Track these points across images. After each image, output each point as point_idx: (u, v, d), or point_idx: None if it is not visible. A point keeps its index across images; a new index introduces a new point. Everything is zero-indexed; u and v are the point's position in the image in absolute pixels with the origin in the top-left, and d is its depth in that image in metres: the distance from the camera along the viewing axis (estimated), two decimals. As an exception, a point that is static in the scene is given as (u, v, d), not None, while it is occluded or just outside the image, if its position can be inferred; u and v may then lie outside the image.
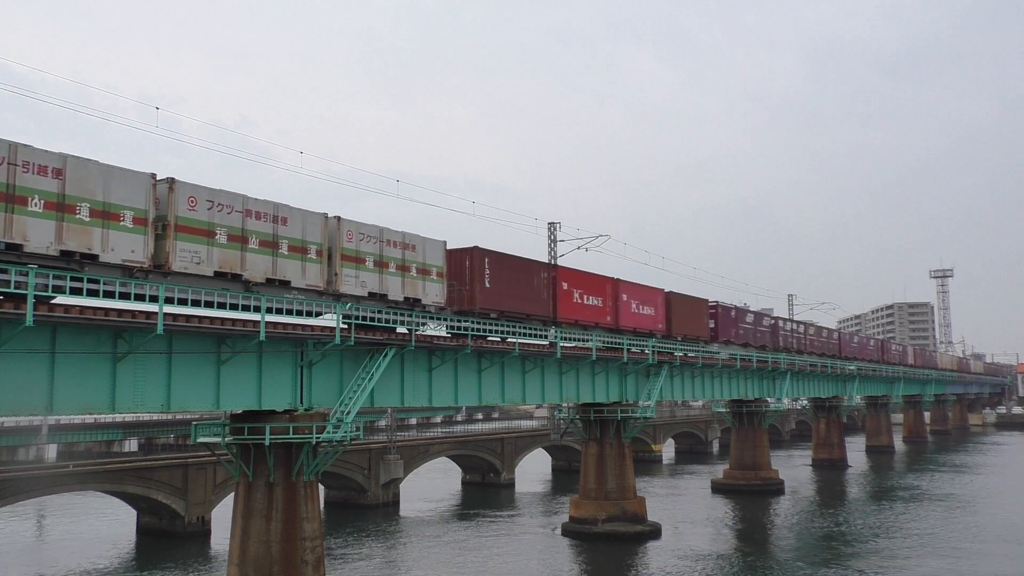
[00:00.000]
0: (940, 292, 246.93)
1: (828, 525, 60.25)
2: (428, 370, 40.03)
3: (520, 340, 43.37)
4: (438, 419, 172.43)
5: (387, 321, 35.23)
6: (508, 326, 42.78)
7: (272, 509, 32.59)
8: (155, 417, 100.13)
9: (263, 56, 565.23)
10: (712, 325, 67.74)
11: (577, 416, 57.84)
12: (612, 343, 53.54)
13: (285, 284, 31.70)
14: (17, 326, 23.96)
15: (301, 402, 33.56)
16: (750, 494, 76.18)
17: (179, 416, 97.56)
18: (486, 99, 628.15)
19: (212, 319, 29.39)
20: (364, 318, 34.37)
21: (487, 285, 41.29)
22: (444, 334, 39.50)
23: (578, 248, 64.82)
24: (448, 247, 40.31)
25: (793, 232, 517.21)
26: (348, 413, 33.58)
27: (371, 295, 35.22)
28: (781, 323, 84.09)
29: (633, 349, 54.62)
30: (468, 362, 42.61)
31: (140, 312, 27.15)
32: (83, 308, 25.64)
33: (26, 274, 23.74)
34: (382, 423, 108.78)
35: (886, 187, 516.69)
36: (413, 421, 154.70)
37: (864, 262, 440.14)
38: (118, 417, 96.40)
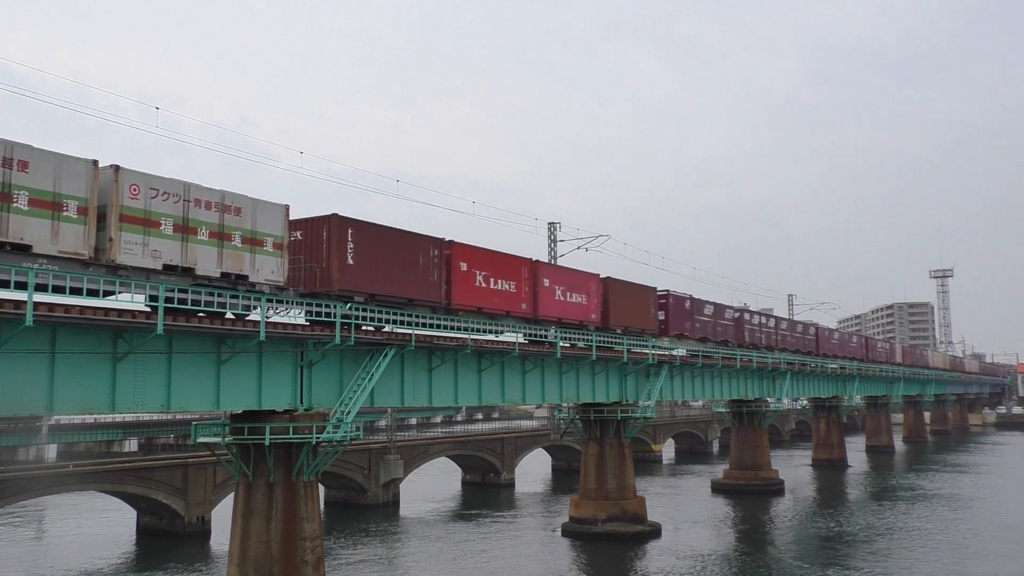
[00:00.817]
0: (940, 292, 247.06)
1: (828, 525, 60.24)
2: (428, 370, 40.03)
3: (398, 329, 36.49)
4: (438, 419, 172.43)
5: (197, 303, 28.10)
6: (378, 312, 35.43)
7: (272, 509, 32.58)
8: (155, 417, 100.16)
9: (263, 56, 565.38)
10: (662, 317, 59.71)
11: (577, 416, 57.84)
12: (607, 343, 53.16)
13: (23, 249, 24.05)
14: (17, 326, 23.96)
15: (301, 402, 33.56)
16: (750, 494, 76.17)
17: (179, 416, 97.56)
18: (486, 99, 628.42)
19: (212, 319, 29.40)
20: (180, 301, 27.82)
21: (350, 262, 34.24)
22: (301, 322, 33.40)
23: (578, 248, 65.01)
24: (302, 217, 34.35)
25: (793, 232, 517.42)
26: (348, 413, 33.57)
27: (169, 268, 27.87)
28: (747, 316, 76.43)
29: (562, 343, 47.63)
30: (468, 362, 42.62)
31: (140, 312, 27.14)
32: (83, 308, 25.63)
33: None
34: (382, 423, 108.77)
35: (886, 187, 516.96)
36: (413, 421, 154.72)
37: (864, 262, 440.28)
38: (118, 417, 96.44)
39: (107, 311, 26.24)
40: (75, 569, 46.45)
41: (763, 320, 79.33)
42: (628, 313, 54.97)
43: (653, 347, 55.65)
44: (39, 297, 24.31)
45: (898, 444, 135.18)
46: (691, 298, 64.37)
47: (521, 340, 44.68)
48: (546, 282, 47.01)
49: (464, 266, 40.92)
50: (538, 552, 51.09)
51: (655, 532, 55.53)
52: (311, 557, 33.07)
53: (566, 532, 55.92)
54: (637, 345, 55.67)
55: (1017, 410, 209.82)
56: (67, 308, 25.08)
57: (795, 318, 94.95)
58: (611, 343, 52.80)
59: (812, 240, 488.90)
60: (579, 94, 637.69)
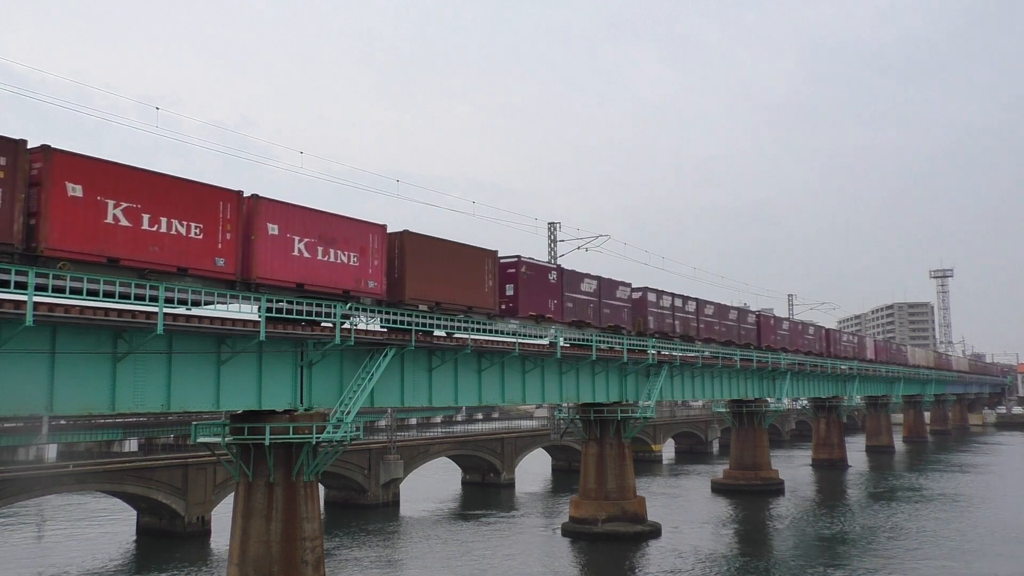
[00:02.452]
0: (940, 292, 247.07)
1: (828, 525, 60.24)
2: (428, 370, 40.02)
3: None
4: (438, 419, 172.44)
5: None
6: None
7: (272, 509, 32.58)
8: (155, 417, 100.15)
9: (263, 56, 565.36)
10: (511, 292, 44.95)
11: (577, 416, 57.84)
12: (579, 340, 49.47)
13: None
14: (17, 326, 23.96)
15: (301, 402, 33.55)
16: (750, 494, 76.15)
17: (179, 416, 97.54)
18: (486, 99, 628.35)
19: (212, 319, 29.39)
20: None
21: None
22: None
23: (578, 248, 65.01)
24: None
25: (793, 232, 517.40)
26: (348, 413, 33.58)
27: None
28: (652, 297, 59.12)
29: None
30: (468, 362, 42.61)
31: (140, 312, 27.13)
32: (83, 308, 25.63)
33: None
34: (382, 423, 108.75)
35: (886, 187, 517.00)
36: (413, 421, 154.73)
37: (864, 262, 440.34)
38: (118, 417, 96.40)
39: (107, 311, 26.25)
40: (75, 569, 46.43)
41: (678, 303, 62.80)
42: (441, 283, 39.27)
43: (490, 330, 42.18)
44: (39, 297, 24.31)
45: (898, 444, 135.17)
46: (560, 269, 49.58)
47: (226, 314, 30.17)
48: (272, 228, 31.72)
49: (77, 189, 25.74)
50: (538, 552, 51.09)
51: (655, 532, 55.52)
52: (311, 557, 33.07)
53: (566, 532, 55.91)
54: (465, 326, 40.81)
55: (1017, 410, 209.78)
56: (67, 308, 25.08)
57: (733, 304, 75.59)
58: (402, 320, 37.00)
59: (812, 240, 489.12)
60: (579, 94, 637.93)
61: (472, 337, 40.70)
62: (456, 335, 40.33)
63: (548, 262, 54.46)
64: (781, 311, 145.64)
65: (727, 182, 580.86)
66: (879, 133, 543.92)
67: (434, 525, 61.32)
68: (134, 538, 55.40)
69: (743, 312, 76.77)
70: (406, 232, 37.76)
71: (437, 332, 39.40)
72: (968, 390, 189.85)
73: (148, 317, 26.98)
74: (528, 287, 46.06)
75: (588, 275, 51.78)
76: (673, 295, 62.19)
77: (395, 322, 35.94)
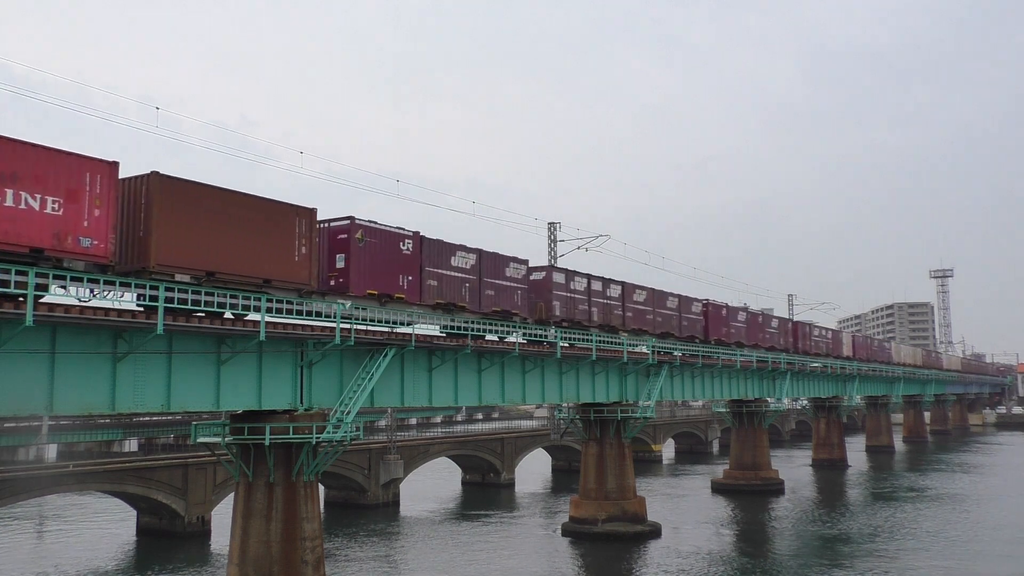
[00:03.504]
0: (940, 292, 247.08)
1: (828, 525, 60.24)
2: (428, 370, 40.03)
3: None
4: (438, 419, 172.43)
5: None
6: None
7: (272, 509, 32.58)
8: (155, 417, 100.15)
9: (264, 57, 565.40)
10: (342, 265, 35.14)
11: (577, 416, 57.84)
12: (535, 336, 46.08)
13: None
14: (17, 326, 23.96)
15: (301, 402, 33.56)
16: (750, 494, 76.15)
17: (179, 416, 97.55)
18: (485, 100, 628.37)
19: (212, 319, 29.39)
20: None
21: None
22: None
23: (578, 248, 64.98)
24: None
25: (793, 232, 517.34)
26: (348, 413, 33.58)
27: None
28: (559, 278, 49.01)
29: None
30: (468, 362, 42.62)
31: (140, 312, 27.13)
32: (83, 308, 25.64)
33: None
34: (382, 423, 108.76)
35: (886, 187, 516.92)
36: (413, 421, 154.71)
37: (864, 262, 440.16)
38: (118, 417, 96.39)
39: (107, 311, 26.26)
40: (75, 569, 46.43)
41: (597, 287, 52.18)
42: (219, 247, 30.09)
43: (301, 311, 32.46)
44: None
45: (898, 444, 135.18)
46: (418, 237, 38.57)
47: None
48: None
49: None
50: (538, 552, 51.09)
51: (655, 532, 55.52)
52: (311, 557, 33.07)
53: (566, 532, 55.91)
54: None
55: (1017, 410, 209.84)
56: (67, 308, 25.09)
57: (673, 291, 63.51)
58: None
59: (812, 240, 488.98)
60: (578, 95, 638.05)
61: (472, 336, 40.64)
62: (250, 318, 30.82)
63: (401, 228, 37.84)
64: (781, 311, 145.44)
65: (727, 182, 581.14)
66: (878, 133, 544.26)
67: (434, 525, 61.32)
68: (134, 538, 55.40)
69: (686, 300, 64.83)
70: (155, 174, 28.32)
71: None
72: (968, 390, 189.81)
73: (148, 317, 26.99)
74: (365, 258, 35.66)
75: (464, 247, 41.51)
76: (590, 276, 51.44)
77: (143, 297, 27.32)
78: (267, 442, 31.74)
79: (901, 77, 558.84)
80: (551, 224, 64.97)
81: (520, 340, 44.61)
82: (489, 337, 42.87)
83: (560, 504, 69.92)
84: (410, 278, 37.79)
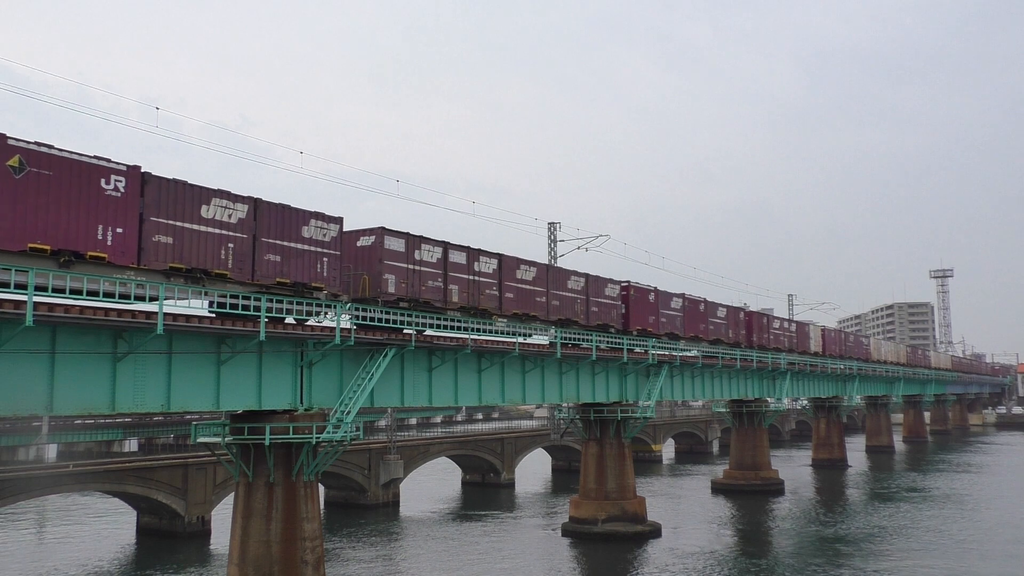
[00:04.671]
0: (940, 292, 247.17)
1: (828, 525, 60.24)
2: (428, 370, 40.03)
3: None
4: (438, 419, 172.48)
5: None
6: None
7: (272, 509, 32.59)
8: (155, 417, 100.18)
9: (264, 57, 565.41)
10: (117, 234, 27.01)
11: (577, 416, 57.84)
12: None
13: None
14: (17, 326, 23.96)
15: (301, 402, 33.56)
16: (750, 494, 76.15)
17: (179, 416, 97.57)
18: (484, 101, 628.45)
19: (212, 319, 29.39)
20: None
21: None
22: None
23: (578, 248, 65.01)
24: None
25: (793, 232, 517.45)
26: (348, 413, 33.58)
27: None
28: (393, 245, 36.94)
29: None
30: (468, 362, 42.62)
31: (140, 312, 27.12)
32: (83, 308, 25.65)
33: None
34: (382, 423, 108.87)
35: (886, 188, 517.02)
36: (413, 421, 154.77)
37: (864, 262, 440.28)
38: (118, 417, 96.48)
39: (107, 311, 26.26)
40: (75, 569, 46.43)
41: (458, 259, 40.53)
42: None
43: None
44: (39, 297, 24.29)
45: (898, 444, 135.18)
46: (139, 173, 28.07)
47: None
48: None
49: None
50: (538, 552, 51.09)
51: (655, 532, 55.52)
52: (311, 557, 33.07)
53: (566, 532, 55.91)
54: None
55: (1017, 410, 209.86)
56: (67, 308, 25.09)
57: (602, 275, 53.48)
58: None
59: (812, 240, 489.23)
60: (577, 96, 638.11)
61: (472, 337, 40.62)
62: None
63: (109, 160, 27.30)
64: (781, 311, 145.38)
65: (727, 182, 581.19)
66: (878, 133, 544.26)
67: (434, 525, 61.32)
68: (134, 538, 55.39)
69: (597, 281, 52.46)
70: None
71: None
72: (968, 390, 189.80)
73: (148, 317, 27.00)
74: (30, 194, 25.09)
75: (229, 194, 30.65)
76: (447, 245, 39.69)
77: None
78: (267, 442, 31.74)
79: (900, 77, 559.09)
80: (551, 224, 65.02)
81: (290, 321, 33.29)
82: (288, 320, 33.12)
83: (560, 504, 69.92)
84: (119, 230, 27.08)
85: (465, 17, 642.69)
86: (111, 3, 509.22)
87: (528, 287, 45.45)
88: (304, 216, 33.40)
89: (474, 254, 41.63)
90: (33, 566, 47.08)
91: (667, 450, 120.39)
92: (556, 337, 46.66)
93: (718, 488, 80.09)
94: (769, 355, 75.28)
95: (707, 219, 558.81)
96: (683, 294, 62.74)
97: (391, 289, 36.51)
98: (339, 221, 34.88)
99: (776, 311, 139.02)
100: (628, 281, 55.62)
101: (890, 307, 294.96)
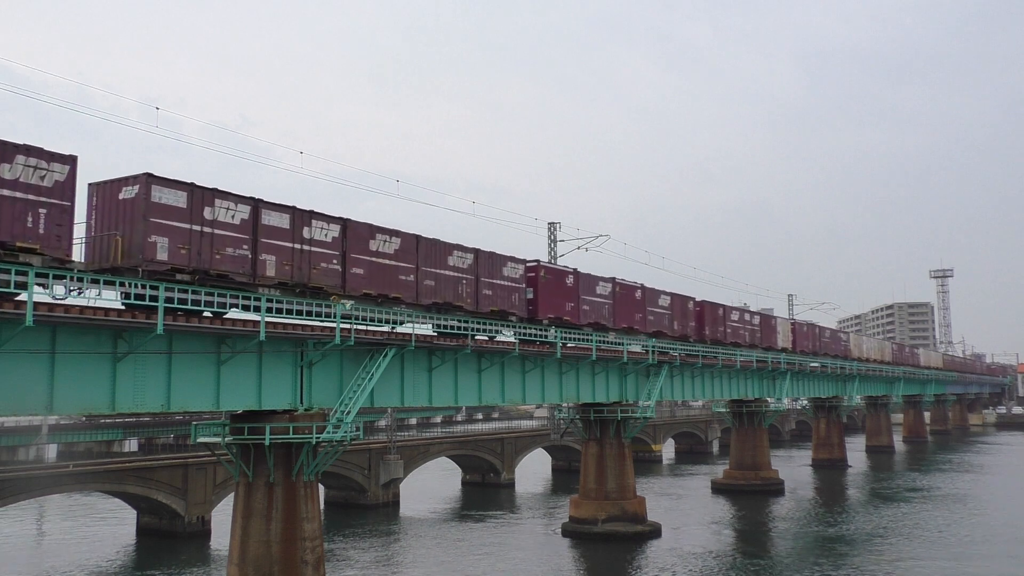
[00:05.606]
0: (940, 292, 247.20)
1: (828, 525, 60.24)
2: (428, 370, 40.04)
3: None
4: (438, 419, 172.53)
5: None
6: None
7: (272, 509, 32.59)
8: (155, 417, 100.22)
9: (264, 57, 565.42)
10: None
11: (577, 416, 57.86)
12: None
13: None
14: (17, 326, 23.97)
15: (301, 402, 33.57)
16: (750, 494, 76.16)
17: (179, 416, 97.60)
18: (484, 101, 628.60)
19: (212, 319, 29.39)
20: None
21: None
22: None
23: (578, 248, 64.99)
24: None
25: (793, 233, 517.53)
26: (348, 413, 33.59)
27: None
28: (164, 197, 28.48)
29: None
30: (468, 362, 42.63)
31: (140, 312, 27.13)
32: (83, 308, 25.65)
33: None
34: (382, 423, 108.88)
35: (886, 188, 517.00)
36: (413, 421, 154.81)
37: (864, 262, 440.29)
38: (118, 417, 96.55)
39: (107, 311, 26.26)
40: (75, 569, 46.44)
41: (278, 222, 32.45)
42: None
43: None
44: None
45: (898, 444, 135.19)
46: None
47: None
48: None
49: None
50: (538, 552, 51.09)
51: (655, 532, 55.53)
52: (311, 557, 33.08)
53: (566, 532, 55.92)
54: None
55: (1017, 410, 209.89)
56: (67, 308, 25.09)
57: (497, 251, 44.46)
58: None
59: (812, 240, 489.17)
60: (577, 96, 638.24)
61: (473, 336, 40.64)
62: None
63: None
64: (781, 311, 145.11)
65: (727, 182, 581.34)
66: (878, 134, 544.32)
67: (434, 525, 61.33)
68: (134, 538, 55.40)
69: (493, 259, 43.02)
70: None
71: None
72: (968, 390, 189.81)
73: (148, 317, 27.00)
74: None
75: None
76: (259, 202, 31.77)
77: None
78: (267, 442, 31.75)
79: (900, 77, 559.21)
80: (551, 224, 64.99)
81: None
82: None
83: (560, 504, 69.92)
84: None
85: (465, 17, 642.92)
86: (111, 3, 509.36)
87: (388, 262, 36.59)
88: (7, 152, 24.73)
89: (303, 217, 33.18)
90: (33, 566, 47.08)
91: (667, 450, 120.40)
92: (557, 337, 46.63)
93: (718, 488, 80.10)
94: (769, 355, 75.24)
95: (707, 219, 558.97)
96: (613, 278, 53.72)
97: (162, 256, 28.12)
98: (70, 161, 26.08)
99: (776, 311, 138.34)
100: (538, 260, 47.16)
101: (890, 307, 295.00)
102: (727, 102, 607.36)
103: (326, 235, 34.14)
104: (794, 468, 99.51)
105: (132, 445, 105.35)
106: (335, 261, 34.33)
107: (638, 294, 56.47)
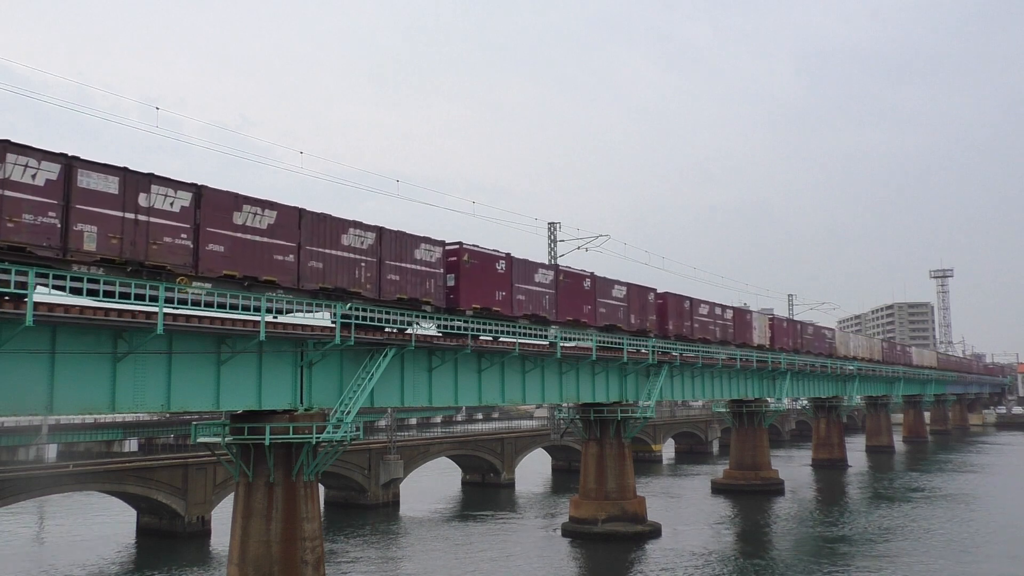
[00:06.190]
0: (940, 292, 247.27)
1: (828, 525, 60.23)
2: (428, 370, 40.03)
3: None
4: (438, 419, 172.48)
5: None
6: None
7: (272, 509, 32.59)
8: (155, 417, 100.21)
9: (264, 57, 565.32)
10: None
11: (577, 416, 57.85)
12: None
13: None
14: (17, 326, 23.96)
15: (301, 402, 33.57)
16: (750, 494, 76.14)
17: (179, 416, 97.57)
18: (484, 101, 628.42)
19: (212, 319, 29.38)
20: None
21: None
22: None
23: (578, 248, 64.99)
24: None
25: (793, 233, 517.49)
26: (348, 413, 33.59)
27: None
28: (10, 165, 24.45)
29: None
30: (468, 362, 42.62)
31: (140, 312, 27.11)
32: (83, 308, 25.64)
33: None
34: (382, 423, 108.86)
35: (885, 188, 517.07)
36: (413, 421, 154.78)
37: (864, 262, 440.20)
38: (118, 417, 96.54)
39: (107, 311, 26.26)
40: (75, 569, 46.43)
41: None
42: None
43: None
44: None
45: (898, 444, 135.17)
46: None
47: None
48: None
49: None
50: (538, 552, 51.08)
51: (655, 532, 55.52)
52: (311, 557, 33.07)
53: (566, 532, 55.91)
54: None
55: (1017, 410, 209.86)
56: (67, 308, 25.09)
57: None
58: None
59: (812, 240, 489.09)
60: (576, 96, 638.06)
61: (472, 336, 40.62)
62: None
63: None
64: (781, 311, 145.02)
65: (727, 182, 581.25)
66: (877, 134, 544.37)
67: (434, 525, 61.31)
68: (134, 538, 55.39)
69: (402, 239, 37.61)
70: None
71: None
72: (968, 390, 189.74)
73: (148, 317, 26.99)
74: None
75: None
76: (74, 161, 26.39)
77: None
78: (267, 442, 31.75)
79: (900, 77, 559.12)
80: (551, 224, 64.99)
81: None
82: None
83: (560, 504, 69.91)
84: None
85: (465, 17, 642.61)
86: (111, 3, 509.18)
87: (259, 239, 31.59)
88: None
89: (139, 180, 27.92)
90: (33, 566, 47.07)
91: (667, 450, 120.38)
92: (557, 337, 46.62)
93: (718, 488, 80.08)
94: (769, 355, 75.18)
95: (707, 219, 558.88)
96: (556, 265, 49.25)
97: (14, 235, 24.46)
98: None
99: (776, 311, 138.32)
100: (460, 243, 41.26)
101: (890, 307, 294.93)
102: (727, 102, 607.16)
103: (171, 204, 28.84)
104: (794, 468, 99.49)
105: (132, 445, 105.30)
106: (184, 235, 29.08)
107: (587, 283, 50.88)
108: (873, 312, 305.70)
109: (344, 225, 35.00)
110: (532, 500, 75.66)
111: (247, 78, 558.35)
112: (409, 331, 37.45)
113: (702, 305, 66.28)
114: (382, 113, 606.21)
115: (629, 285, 55.47)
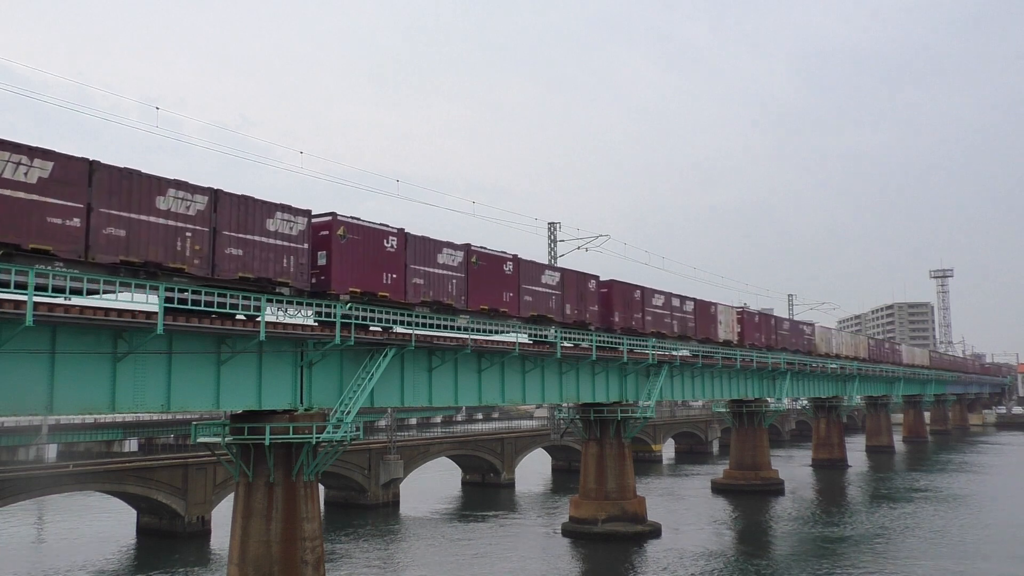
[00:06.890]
0: (940, 292, 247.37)
1: (828, 525, 60.23)
2: (428, 370, 40.03)
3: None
4: (438, 419, 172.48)
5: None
6: None
7: (272, 509, 32.58)
8: (155, 417, 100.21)
9: (264, 57, 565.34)
10: None
11: (577, 416, 57.86)
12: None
13: None
14: (17, 326, 23.96)
15: (301, 402, 33.56)
16: (750, 494, 76.14)
17: (179, 416, 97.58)
18: (484, 101, 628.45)
19: (212, 319, 29.39)
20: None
21: None
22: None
23: (578, 248, 65.03)
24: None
25: (793, 233, 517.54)
26: (348, 413, 33.58)
27: None
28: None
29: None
30: (468, 362, 42.62)
31: (140, 312, 27.11)
32: (83, 308, 25.63)
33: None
34: (382, 423, 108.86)
35: (885, 188, 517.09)
36: (413, 421, 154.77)
37: (864, 262, 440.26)
38: (118, 417, 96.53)
39: (107, 311, 26.26)
40: (75, 569, 46.42)
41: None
42: None
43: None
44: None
45: (898, 444, 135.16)
46: None
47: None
48: None
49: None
50: (538, 552, 51.09)
51: (655, 532, 55.52)
52: (311, 557, 33.07)
53: (566, 532, 55.91)
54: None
55: (1017, 410, 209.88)
56: (67, 308, 25.08)
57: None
58: None
59: (812, 240, 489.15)
60: (576, 96, 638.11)
61: (472, 337, 40.61)
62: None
63: None
64: (781, 311, 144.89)
65: (726, 182, 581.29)
66: (876, 134, 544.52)
67: (434, 525, 61.32)
68: (134, 538, 55.39)
69: (248, 204, 31.08)
70: None
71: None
72: (968, 390, 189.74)
73: (148, 317, 26.99)
74: None
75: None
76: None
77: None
78: (267, 442, 31.74)
79: (899, 77, 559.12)
80: (551, 224, 65.04)
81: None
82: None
83: (560, 504, 69.91)
84: None
85: (465, 17, 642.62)
86: (111, 3, 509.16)
87: (25, 195, 24.47)
88: None
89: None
90: (33, 566, 47.07)
91: (667, 450, 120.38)
92: (557, 337, 46.59)
93: (718, 488, 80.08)
94: (769, 355, 75.16)
95: (707, 219, 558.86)
96: (468, 245, 41.38)
97: None
98: None
99: (776, 311, 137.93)
100: (333, 214, 34.48)
101: (890, 307, 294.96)
102: (727, 102, 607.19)
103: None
104: (794, 468, 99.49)
105: (132, 445, 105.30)
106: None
107: (508, 266, 43.98)
108: (873, 312, 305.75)
109: (161, 184, 28.00)
110: (532, 500, 75.66)
111: (247, 78, 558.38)
112: (286, 319, 32.21)
113: (656, 295, 59.30)
114: (382, 113, 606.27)
115: (564, 270, 49.26)
